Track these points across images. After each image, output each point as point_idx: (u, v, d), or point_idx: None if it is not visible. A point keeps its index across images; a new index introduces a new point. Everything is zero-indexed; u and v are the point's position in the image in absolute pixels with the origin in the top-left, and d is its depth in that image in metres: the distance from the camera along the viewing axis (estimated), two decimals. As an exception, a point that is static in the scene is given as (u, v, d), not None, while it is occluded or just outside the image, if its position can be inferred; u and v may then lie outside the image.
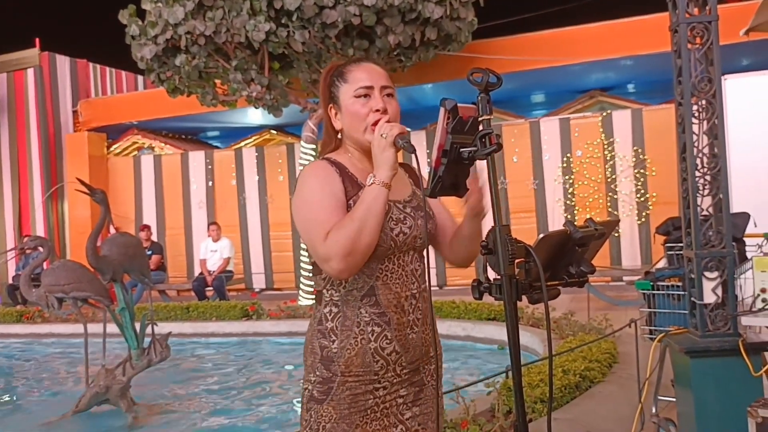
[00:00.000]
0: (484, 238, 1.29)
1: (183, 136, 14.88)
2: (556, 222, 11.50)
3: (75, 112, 14.03)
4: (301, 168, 10.38)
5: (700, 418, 3.20)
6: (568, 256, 1.33)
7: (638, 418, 3.67)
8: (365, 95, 1.73)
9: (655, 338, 3.75)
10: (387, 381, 1.70)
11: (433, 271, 11.11)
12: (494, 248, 1.26)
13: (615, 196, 11.23)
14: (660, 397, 3.91)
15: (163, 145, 14.06)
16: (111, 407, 5.53)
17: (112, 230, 6.36)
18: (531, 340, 6.60)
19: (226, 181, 13.24)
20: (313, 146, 10.37)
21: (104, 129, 13.90)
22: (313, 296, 9.99)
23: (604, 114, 11.33)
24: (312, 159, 10.40)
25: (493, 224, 1.27)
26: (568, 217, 11.45)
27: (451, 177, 1.34)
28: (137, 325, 5.64)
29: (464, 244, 1.82)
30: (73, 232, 13.44)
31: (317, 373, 1.71)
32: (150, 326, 5.75)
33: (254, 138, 13.88)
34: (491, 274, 1.34)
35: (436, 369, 1.78)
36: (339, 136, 1.82)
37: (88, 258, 5.30)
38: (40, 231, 13.86)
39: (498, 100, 12.04)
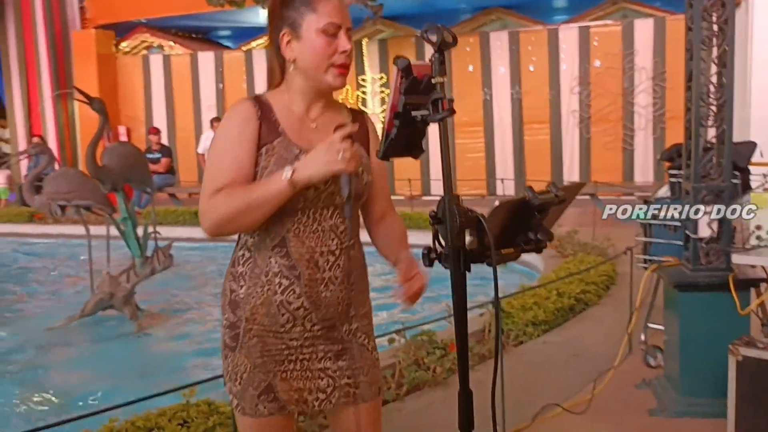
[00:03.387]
0: (435, 208, 1.23)
1: (193, 35, 14.55)
2: (569, 134, 11.30)
3: (82, 9, 13.70)
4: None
5: (684, 351, 3.22)
6: (525, 222, 1.28)
7: (624, 346, 3.71)
8: (333, 34, 1.59)
9: (648, 268, 3.73)
10: (297, 334, 1.64)
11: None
12: (443, 219, 1.21)
13: (631, 109, 10.97)
14: (650, 325, 3.93)
15: (172, 44, 13.77)
16: (117, 313, 5.67)
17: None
18: (533, 257, 6.62)
19: (237, 84, 13.03)
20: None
21: (112, 26, 13.60)
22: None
23: (626, 22, 10.88)
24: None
25: (443, 193, 1.21)
26: (582, 128, 11.24)
27: (405, 138, 1.27)
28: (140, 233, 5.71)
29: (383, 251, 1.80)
30: (84, 132, 13.42)
31: (226, 315, 1.67)
32: (152, 235, 5.82)
33: (265, 38, 13.53)
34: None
35: (358, 329, 1.70)
36: (291, 68, 1.63)
37: (88, 168, 5.30)
38: (50, 129, 13.87)
39: (518, 4, 11.62)
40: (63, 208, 5.66)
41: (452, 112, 1.19)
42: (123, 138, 13.65)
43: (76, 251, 8.69)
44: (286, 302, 1.61)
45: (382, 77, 12.18)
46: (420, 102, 1.23)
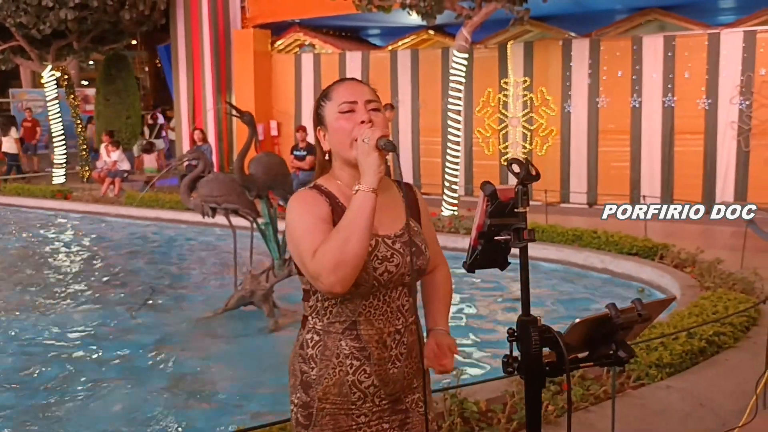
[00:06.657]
0: (514, 327, 1.30)
1: (343, 34, 15.06)
2: (726, 146, 10.59)
3: (243, 8, 14.60)
4: (454, 73, 10.18)
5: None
6: (608, 337, 1.31)
7: (753, 405, 3.50)
8: (349, 111, 1.71)
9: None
10: (366, 410, 1.73)
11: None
12: (520, 337, 1.27)
13: (799, 123, 10.10)
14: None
15: (323, 43, 14.33)
16: (256, 309, 6.08)
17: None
18: (671, 283, 6.33)
19: (382, 83, 13.31)
20: (466, 56, 10.16)
21: (269, 26, 14.39)
22: (455, 209, 10.12)
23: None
24: (464, 68, 10.23)
25: (520, 313, 1.27)
26: (741, 141, 10.49)
27: (490, 254, 1.34)
28: (280, 238, 6.08)
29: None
30: (239, 125, 14.31)
31: (297, 395, 1.76)
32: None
33: (412, 38, 13.76)
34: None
35: (419, 399, 1.79)
36: (327, 157, 1.79)
37: (236, 177, 5.71)
38: (210, 122, 14.94)
39: (678, 5, 10.97)
40: (214, 210, 6.14)
41: (531, 239, 1.25)
42: (274, 131, 14.48)
43: (225, 241, 9.38)
44: (358, 381, 1.71)
45: (525, 80, 11.99)
46: (504, 224, 1.30)
